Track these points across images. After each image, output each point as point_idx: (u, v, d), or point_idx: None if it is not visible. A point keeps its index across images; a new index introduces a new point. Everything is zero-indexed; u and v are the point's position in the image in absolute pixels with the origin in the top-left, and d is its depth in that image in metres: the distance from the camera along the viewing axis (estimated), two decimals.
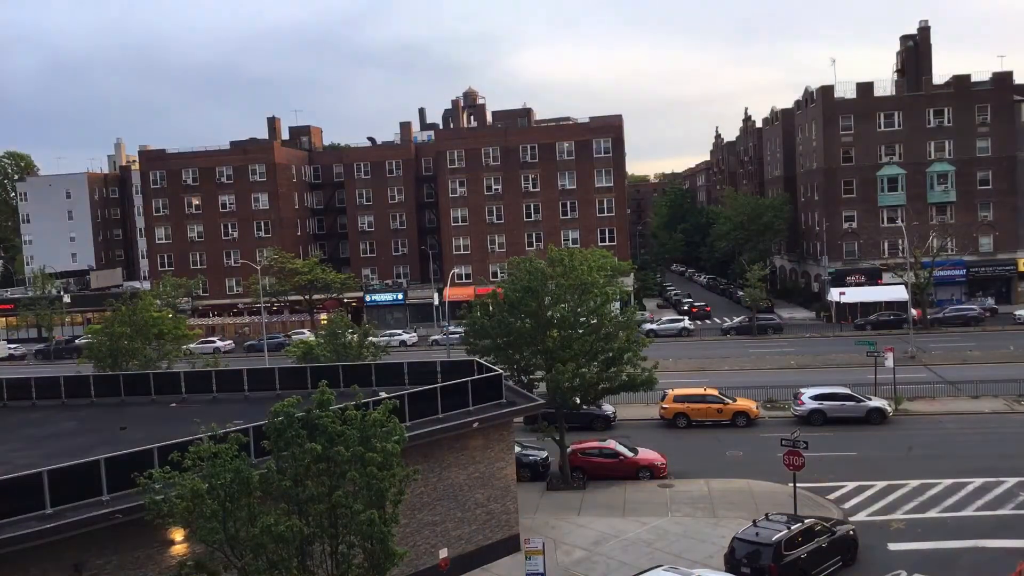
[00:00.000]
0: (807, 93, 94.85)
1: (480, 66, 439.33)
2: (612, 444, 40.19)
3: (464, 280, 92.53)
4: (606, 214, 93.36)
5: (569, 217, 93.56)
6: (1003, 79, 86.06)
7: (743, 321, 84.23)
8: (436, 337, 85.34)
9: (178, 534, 21.73)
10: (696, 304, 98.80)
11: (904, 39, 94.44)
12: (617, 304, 39.81)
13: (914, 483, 36.06)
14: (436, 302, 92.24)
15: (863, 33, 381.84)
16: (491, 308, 39.19)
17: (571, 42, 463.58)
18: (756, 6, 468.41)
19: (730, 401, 48.19)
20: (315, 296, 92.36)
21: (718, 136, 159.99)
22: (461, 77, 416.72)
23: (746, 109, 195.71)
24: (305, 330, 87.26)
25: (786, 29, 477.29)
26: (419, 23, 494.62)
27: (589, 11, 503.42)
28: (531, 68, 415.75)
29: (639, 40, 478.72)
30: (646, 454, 40.00)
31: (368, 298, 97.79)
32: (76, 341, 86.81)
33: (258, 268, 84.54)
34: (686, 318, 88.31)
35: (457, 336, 66.32)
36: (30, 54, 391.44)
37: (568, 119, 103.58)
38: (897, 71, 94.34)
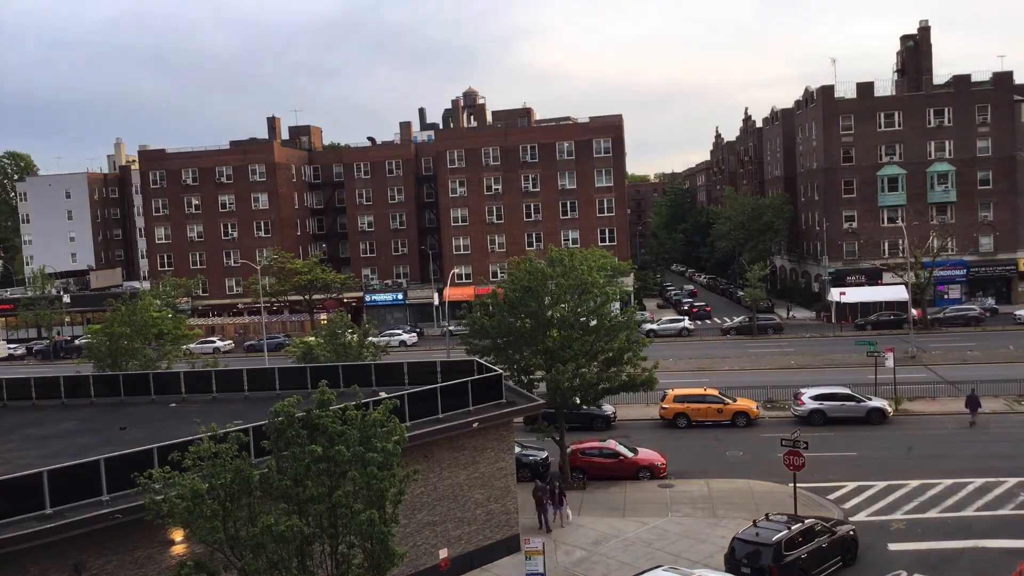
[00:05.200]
0: (807, 93, 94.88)
1: (485, 54, 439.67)
2: (612, 444, 40.21)
3: (464, 280, 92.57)
4: (606, 214, 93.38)
5: (569, 217, 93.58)
6: (1003, 79, 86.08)
7: (743, 321, 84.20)
8: (437, 333, 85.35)
9: (178, 534, 21.73)
10: (696, 304, 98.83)
11: (904, 39, 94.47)
12: (617, 304, 39.79)
13: (914, 483, 36.06)
14: (436, 302, 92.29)
15: (866, 28, 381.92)
16: (491, 308, 39.18)
17: (572, 32, 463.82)
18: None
19: (730, 401, 48.19)
20: (315, 296, 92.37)
21: (718, 136, 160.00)
22: (466, 65, 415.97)
23: (746, 109, 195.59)
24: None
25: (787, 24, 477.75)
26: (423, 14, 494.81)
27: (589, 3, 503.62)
28: (533, 59, 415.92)
29: (639, 37, 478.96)
30: (646, 454, 40.03)
31: (368, 298, 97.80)
32: (76, 341, 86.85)
33: (258, 268, 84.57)
34: (686, 318, 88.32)
35: (457, 333, 66.38)
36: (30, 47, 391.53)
37: (568, 119, 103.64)
38: (897, 71, 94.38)
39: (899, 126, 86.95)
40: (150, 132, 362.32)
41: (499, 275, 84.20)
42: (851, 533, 29.10)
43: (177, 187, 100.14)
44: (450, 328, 74.30)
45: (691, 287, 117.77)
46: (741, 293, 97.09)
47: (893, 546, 29.84)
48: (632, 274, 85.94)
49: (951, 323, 78.21)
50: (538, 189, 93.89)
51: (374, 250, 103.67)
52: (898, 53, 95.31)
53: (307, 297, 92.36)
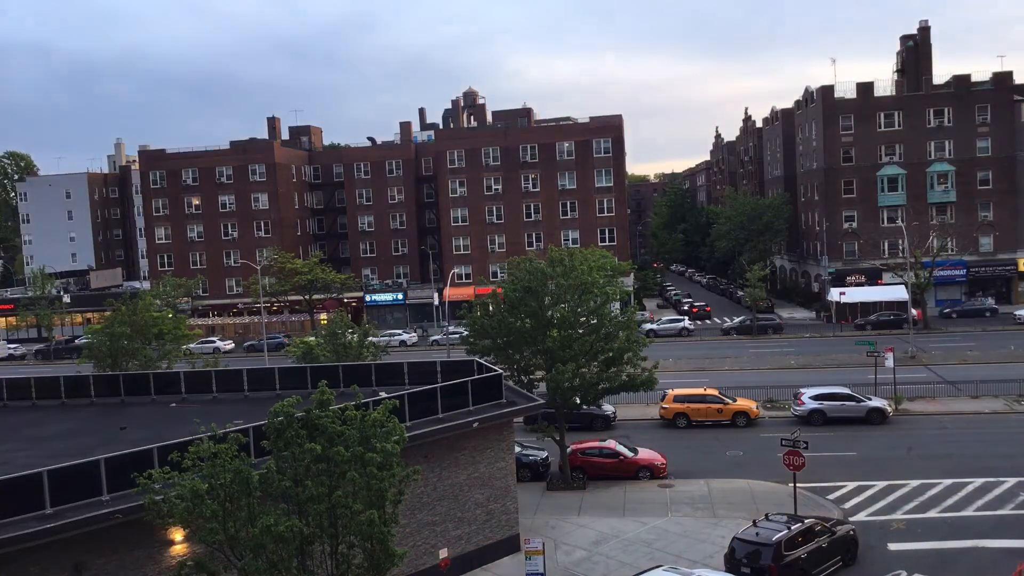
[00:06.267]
0: (807, 93, 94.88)
1: (480, 73, 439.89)
2: (612, 444, 40.21)
3: (464, 280, 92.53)
4: (606, 214, 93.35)
5: (569, 217, 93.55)
6: (1003, 79, 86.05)
7: (743, 321, 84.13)
8: (436, 337, 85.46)
9: (178, 534, 21.73)
10: (696, 304, 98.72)
11: (904, 39, 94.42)
12: (617, 304, 39.79)
13: (914, 483, 36.05)
14: (436, 302, 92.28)
15: (861, 44, 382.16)
16: (491, 308, 39.19)
17: (570, 52, 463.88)
18: (756, 18, 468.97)
19: (730, 401, 48.16)
20: (315, 296, 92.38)
21: (718, 136, 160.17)
22: (457, 84, 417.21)
23: (746, 109, 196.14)
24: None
25: (786, 41, 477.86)
26: (413, 32, 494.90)
27: (588, 22, 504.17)
28: (527, 75, 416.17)
29: (640, 49, 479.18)
30: (646, 454, 40.04)
31: (368, 298, 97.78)
32: (76, 341, 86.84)
33: (258, 268, 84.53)
34: (686, 318, 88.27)
35: (458, 336, 66.39)
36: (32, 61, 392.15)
37: (568, 119, 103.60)
38: (897, 71, 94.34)
39: (899, 126, 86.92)
40: (149, 133, 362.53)
41: (499, 275, 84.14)
42: (851, 533, 29.10)
43: (177, 187, 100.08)
44: (450, 328, 74.31)
45: (678, 294, 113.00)
46: (741, 293, 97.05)
47: (893, 546, 29.84)
48: (632, 274, 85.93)
49: (965, 315, 79.83)
50: (538, 189, 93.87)
51: (374, 250, 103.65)
52: (898, 53, 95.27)
53: (307, 297, 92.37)
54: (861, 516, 32.86)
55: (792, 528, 27.12)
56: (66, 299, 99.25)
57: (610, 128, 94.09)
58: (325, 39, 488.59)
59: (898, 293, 79.85)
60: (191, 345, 59.43)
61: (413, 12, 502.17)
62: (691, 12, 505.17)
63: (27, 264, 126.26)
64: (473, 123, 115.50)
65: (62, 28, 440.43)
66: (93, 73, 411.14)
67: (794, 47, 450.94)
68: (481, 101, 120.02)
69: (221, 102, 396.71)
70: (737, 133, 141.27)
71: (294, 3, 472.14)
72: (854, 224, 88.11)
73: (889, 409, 46.91)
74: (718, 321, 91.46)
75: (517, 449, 36.16)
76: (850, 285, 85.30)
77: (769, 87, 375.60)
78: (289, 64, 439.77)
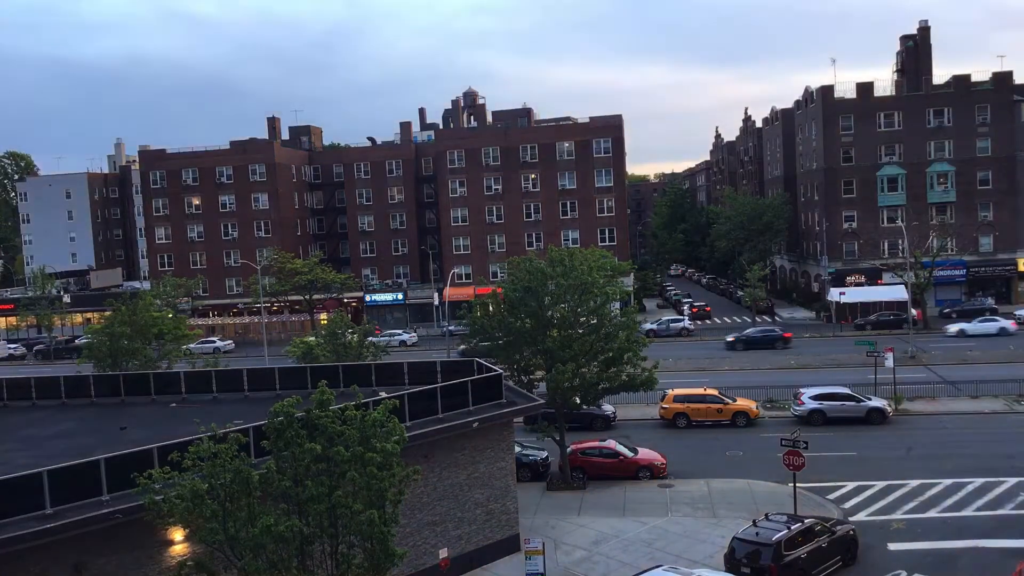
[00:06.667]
0: (807, 93, 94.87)
1: (480, 76, 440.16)
2: (612, 444, 40.22)
3: (464, 280, 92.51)
4: (606, 214, 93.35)
5: (569, 217, 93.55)
6: (1003, 79, 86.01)
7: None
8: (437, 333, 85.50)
9: (178, 534, 21.74)
10: (696, 304, 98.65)
11: (904, 39, 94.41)
12: (617, 304, 39.78)
13: (914, 483, 36.05)
14: (436, 302, 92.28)
15: (860, 49, 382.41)
16: (491, 308, 39.20)
17: (570, 59, 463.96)
18: (756, 23, 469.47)
19: (730, 401, 48.17)
20: (315, 296, 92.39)
21: (718, 136, 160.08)
22: (456, 86, 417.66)
23: (746, 109, 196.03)
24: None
25: (785, 46, 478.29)
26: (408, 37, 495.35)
27: (588, 30, 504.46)
28: (527, 79, 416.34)
29: (639, 56, 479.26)
30: (646, 454, 40.05)
31: (368, 298, 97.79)
32: (76, 341, 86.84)
33: (258, 268, 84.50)
34: (686, 318, 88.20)
35: (457, 335, 66.41)
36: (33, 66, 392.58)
37: (568, 119, 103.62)
38: (897, 71, 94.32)
39: (899, 126, 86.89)
40: (149, 134, 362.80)
41: (499, 275, 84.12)
42: (851, 533, 29.11)
43: (177, 187, 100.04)
44: (450, 328, 74.34)
45: (678, 294, 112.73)
46: (741, 293, 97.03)
47: (893, 546, 29.85)
48: (632, 274, 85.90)
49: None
50: (538, 189, 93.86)
51: (374, 250, 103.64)
52: (898, 53, 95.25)
53: (307, 297, 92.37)
54: (861, 516, 32.86)
55: (792, 528, 27.13)
56: (66, 299, 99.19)
57: (610, 128, 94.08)
58: (323, 43, 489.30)
59: (898, 293, 79.85)
60: (191, 345, 59.44)
61: (412, 17, 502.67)
62: (691, 18, 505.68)
63: (27, 264, 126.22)
64: (473, 123, 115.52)
65: (61, 34, 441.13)
66: (93, 77, 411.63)
67: (793, 53, 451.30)
68: (481, 101, 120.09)
69: (219, 109, 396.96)
70: (737, 133, 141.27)
71: (288, 12, 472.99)
72: (854, 224, 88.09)
73: (889, 409, 46.91)
74: (718, 321, 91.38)
75: (517, 449, 36.17)
76: (850, 285, 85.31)
77: (769, 91, 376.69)
78: (287, 69, 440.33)
